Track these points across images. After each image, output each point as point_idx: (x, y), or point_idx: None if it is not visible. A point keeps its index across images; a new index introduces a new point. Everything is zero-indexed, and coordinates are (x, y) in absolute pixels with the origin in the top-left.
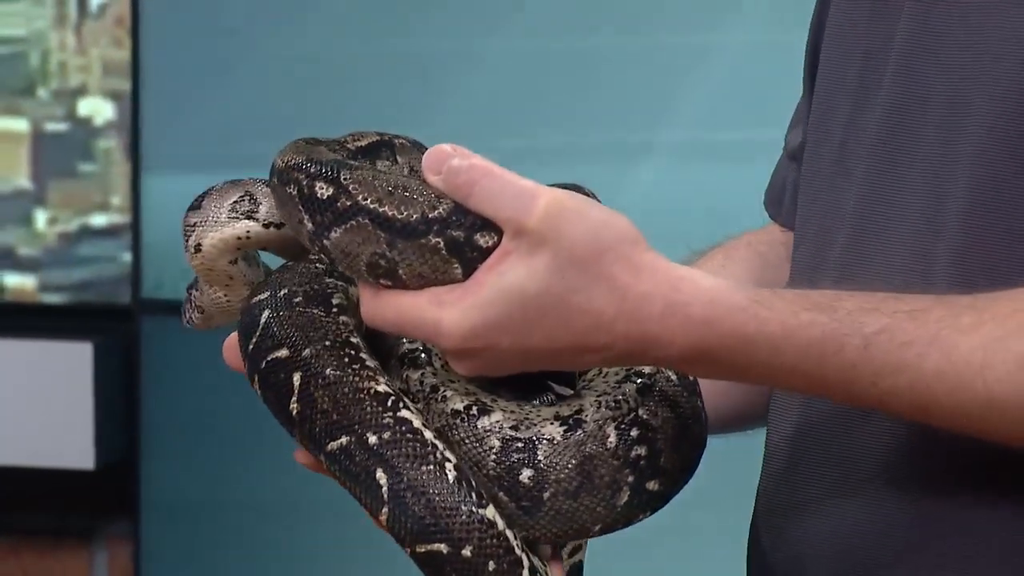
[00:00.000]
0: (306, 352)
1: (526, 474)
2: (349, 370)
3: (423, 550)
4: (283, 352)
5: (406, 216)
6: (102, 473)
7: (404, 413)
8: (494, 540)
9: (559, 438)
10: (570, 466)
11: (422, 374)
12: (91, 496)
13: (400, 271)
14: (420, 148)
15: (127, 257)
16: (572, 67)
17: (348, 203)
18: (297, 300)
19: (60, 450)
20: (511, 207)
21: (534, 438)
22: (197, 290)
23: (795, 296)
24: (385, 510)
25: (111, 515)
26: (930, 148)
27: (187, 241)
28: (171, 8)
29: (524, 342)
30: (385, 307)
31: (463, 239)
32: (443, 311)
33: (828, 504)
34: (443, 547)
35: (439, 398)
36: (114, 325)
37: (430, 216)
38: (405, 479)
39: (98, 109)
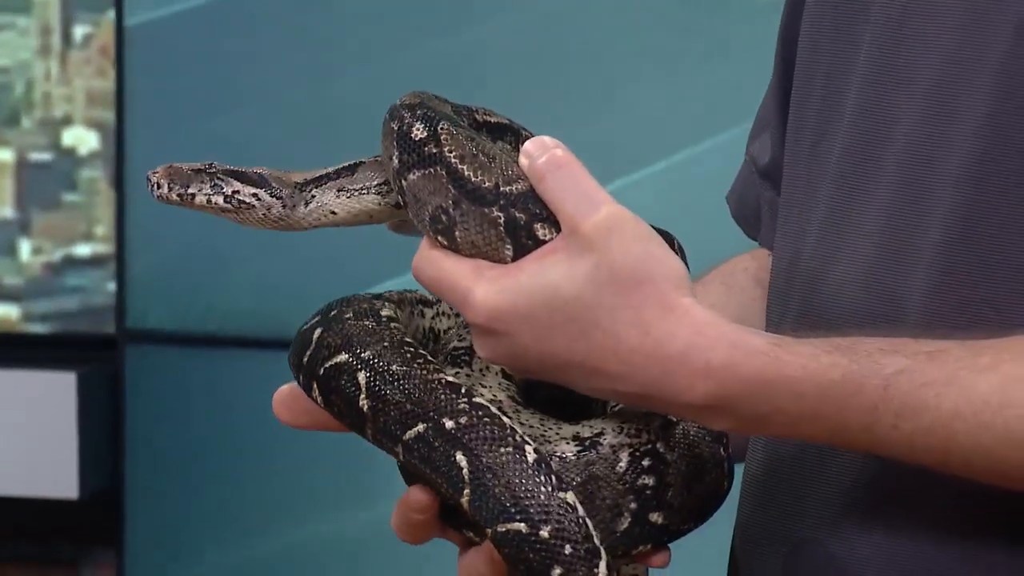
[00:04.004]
0: (366, 354)
1: None
2: (414, 364)
3: (503, 529)
4: (342, 356)
5: (479, 180)
6: (87, 502)
7: (479, 399)
8: (573, 524)
9: (571, 456)
10: (574, 483)
11: (456, 373)
12: (76, 525)
13: (456, 232)
14: None
15: (111, 287)
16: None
17: (434, 150)
18: (347, 316)
19: (44, 480)
20: (574, 205)
21: (545, 454)
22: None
23: (816, 341)
24: (467, 491)
25: (96, 544)
26: (892, 184)
27: None
28: (155, 38)
29: (543, 343)
30: (431, 262)
31: (523, 223)
32: (478, 283)
33: (804, 537)
34: (522, 527)
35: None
36: (99, 355)
37: (501, 189)
38: (485, 460)
39: (82, 139)
